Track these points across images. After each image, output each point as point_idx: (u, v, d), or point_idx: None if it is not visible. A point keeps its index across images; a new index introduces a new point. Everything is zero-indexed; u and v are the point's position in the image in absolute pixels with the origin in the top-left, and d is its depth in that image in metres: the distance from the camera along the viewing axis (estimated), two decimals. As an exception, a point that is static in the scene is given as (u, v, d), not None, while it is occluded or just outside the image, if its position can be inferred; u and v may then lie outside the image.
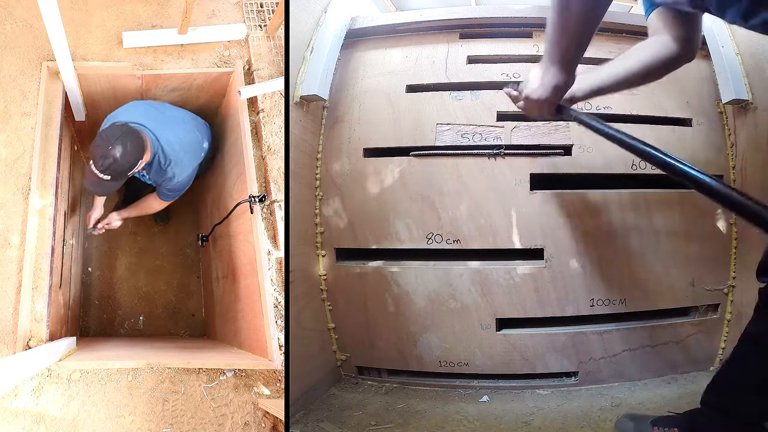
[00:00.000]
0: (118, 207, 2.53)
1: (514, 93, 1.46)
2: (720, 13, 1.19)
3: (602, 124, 1.23)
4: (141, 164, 1.93)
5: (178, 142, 2.03)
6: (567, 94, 1.36)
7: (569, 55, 1.26)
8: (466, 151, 1.81)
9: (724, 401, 1.28)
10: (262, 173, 2.06)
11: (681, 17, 1.37)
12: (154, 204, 2.29)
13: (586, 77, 1.46)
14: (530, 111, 1.42)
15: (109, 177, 1.86)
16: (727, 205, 0.93)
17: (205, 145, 2.26)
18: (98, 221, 2.33)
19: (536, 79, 1.33)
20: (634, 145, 1.13)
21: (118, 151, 1.81)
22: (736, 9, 1.13)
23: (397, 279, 1.84)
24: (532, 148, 1.80)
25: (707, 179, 0.94)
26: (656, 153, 1.06)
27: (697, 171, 0.96)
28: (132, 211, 2.37)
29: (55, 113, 2.04)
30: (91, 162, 1.87)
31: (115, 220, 2.37)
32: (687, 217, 1.80)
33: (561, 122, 1.79)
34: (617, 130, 1.19)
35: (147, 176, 2.13)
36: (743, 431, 1.26)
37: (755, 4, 1.07)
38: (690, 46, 1.39)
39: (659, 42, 1.40)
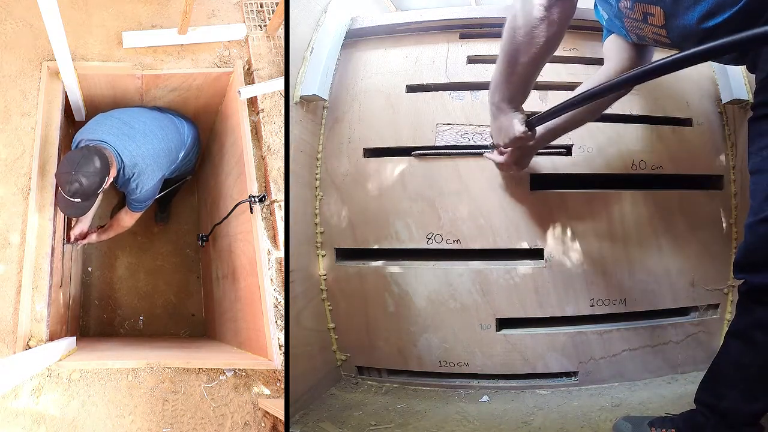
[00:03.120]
0: (115, 209, 2.53)
1: (497, 157, 1.69)
2: None
3: (563, 103, 1.35)
4: (109, 180, 1.94)
5: (141, 156, 2.03)
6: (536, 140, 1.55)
7: (517, 98, 1.47)
8: (471, 151, 1.81)
9: (715, 399, 1.29)
10: (262, 173, 2.06)
11: (629, 44, 1.53)
12: (126, 220, 2.28)
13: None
14: (515, 145, 1.57)
15: (79, 199, 1.87)
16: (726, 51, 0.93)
17: (181, 153, 2.26)
18: (82, 237, 2.30)
19: (499, 129, 1.52)
20: (604, 89, 1.20)
21: (82, 176, 1.83)
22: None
23: (397, 279, 1.84)
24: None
25: (695, 51, 0.94)
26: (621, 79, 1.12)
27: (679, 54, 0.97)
28: (110, 232, 2.36)
29: (55, 113, 2.04)
30: (59, 188, 1.88)
31: (94, 240, 2.36)
32: (687, 217, 1.80)
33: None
34: (578, 95, 1.29)
35: (116, 185, 2.13)
36: (739, 430, 1.27)
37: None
38: (637, 63, 1.53)
39: (610, 65, 1.57)
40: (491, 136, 1.62)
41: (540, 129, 1.54)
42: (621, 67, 1.55)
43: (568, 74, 1.84)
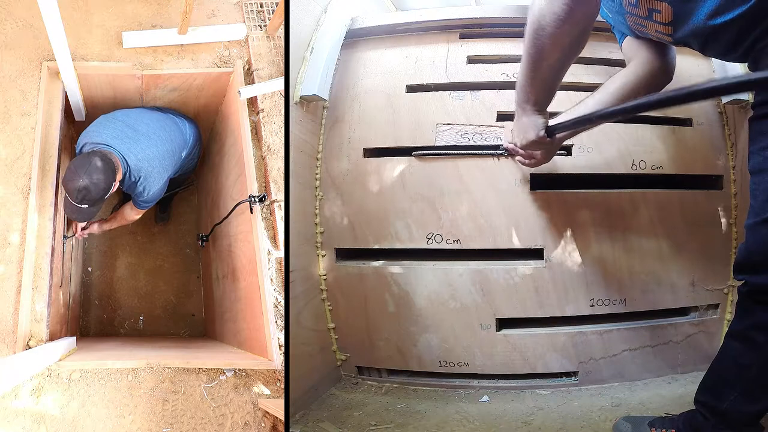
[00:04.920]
0: (115, 208, 2.53)
1: (519, 151, 1.65)
2: (702, 51, 1.33)
3: (585, 116, 1.34)
4: (115, 185, 1.95)
5: (147, 159, 2.04)
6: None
7: (541, 101, 1.44)
8: (473, 152, 1.80)
9: (715, 399, 1.29)
10: (262, 173, 2.06)
11: (649, 44, 1.50)
12: (131, 214, 2.29)
13: (570, 114, 1.57)
14: (531, 148, 1.58)
15: (87, 205, 1.88)
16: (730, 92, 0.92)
17: (184, 152, 2.26)
18: (83, 229, 2.32)
19: (519, 130, 1.51)
20: (628, 108, 1.18)
21: (89, 182, 1.83)
22: (714, 50, 1.28)
23: (397, 279, 1.84)
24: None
25: (701, 86, 0.93)
26: (643, 100, 1.10)
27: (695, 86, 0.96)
28: (112, 223, 2.38)
29: (55, 113, 2.04)
30: (66, 194, 1.88)
31: (96, 231, 2.38)
32: (687, 217, 1.80)
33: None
34: (604, 109, 1.27)
35: (122, 188, 2.13)
36: (739, 430, 1.27)
37: (732, 45, 1.21)
38: (662, 62, 1.52)
39: (635, 65, 1.54)
40: (511, 134, 1.62)
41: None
42: (644, 70, 1.53)
43: (567, 75, 1.83)
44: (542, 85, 1.41)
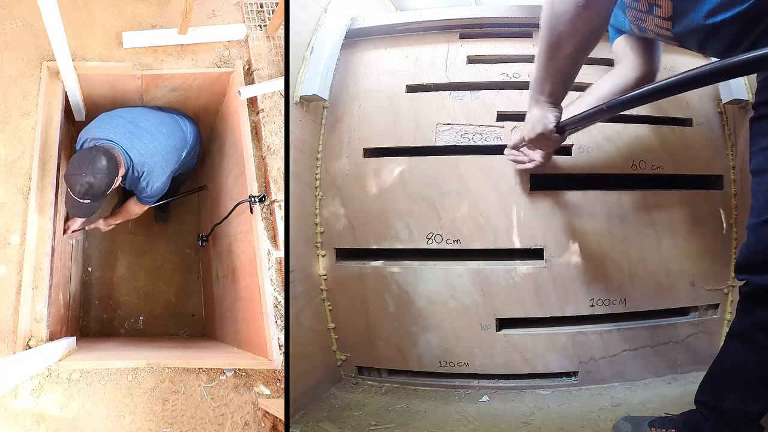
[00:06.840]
0: (115, 207, 2.54)
1: (520, 157, 1.71)
2: (700, 51, 1.35)
3: (595, 109, 1.35)
4: (117, 180, 1.96)
5: (149, 154, 2.04)
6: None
7: (556, 93, 1.44)
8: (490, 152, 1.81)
9: (716, 399, 1.29)
10: (262, 173, 2.06)
11: (642, 42, 1.54)
12: (135, 208, 2.31)
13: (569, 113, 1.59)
14: (539, 147, 1.61)
15: (89, 200, 1.88)
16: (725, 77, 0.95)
17: (185, 151, 2.27)
18: (74, 230, 2.31)
19: (529, 121, 1.50)
20: (633, 97, 1.20)
21: (92, 176, 1.84)
22: (713, 49, 1.30)
23: (397, 279, 1.84)
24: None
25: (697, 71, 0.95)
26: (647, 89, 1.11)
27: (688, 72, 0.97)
28: (117, 218, 2.39)
29: (55, 113, 2.04)
30: (68, 189, 1.88)
31: (102, 226, 2.40)
32: (687, 217, 1.80)
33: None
34: (609, 102, 1.31)
35: (124, 185, 2.14)
36: (739, 430, 1.27)
37: (732, 44, 1.21)
38: (650, 67, 1.58)
39: (623, 69, 1.58)
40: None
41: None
42: (632, 74, 1.56)
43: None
44: (558, 75, 1.39)
